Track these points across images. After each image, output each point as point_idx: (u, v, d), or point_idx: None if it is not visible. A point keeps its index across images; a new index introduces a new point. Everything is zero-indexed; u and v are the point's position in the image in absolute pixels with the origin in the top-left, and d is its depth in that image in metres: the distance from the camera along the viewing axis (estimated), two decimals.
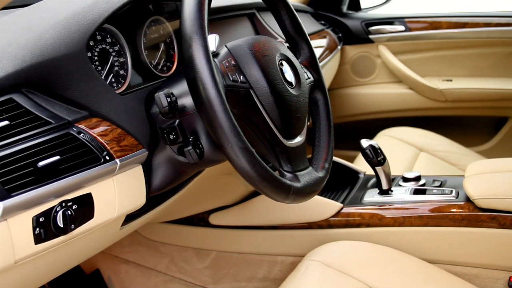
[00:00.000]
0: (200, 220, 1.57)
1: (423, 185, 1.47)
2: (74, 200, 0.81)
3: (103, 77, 0.97)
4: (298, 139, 1.01)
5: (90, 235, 0.89)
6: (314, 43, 2.10)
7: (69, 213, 0.79)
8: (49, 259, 0.86)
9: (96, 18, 0.93)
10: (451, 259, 1.31)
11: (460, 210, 1.30)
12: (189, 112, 0.92)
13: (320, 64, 2.02)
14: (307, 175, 0.98)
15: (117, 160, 0.86)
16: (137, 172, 0.94)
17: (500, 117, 2.44)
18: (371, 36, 2.52)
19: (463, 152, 2.05)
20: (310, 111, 1.13)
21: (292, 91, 0.99)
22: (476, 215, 1.28)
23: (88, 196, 0.83)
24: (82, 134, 0.83)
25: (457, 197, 1.35)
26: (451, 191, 1.38)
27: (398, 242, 1.34)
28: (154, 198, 1.03)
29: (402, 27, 2.48)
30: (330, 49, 2.24)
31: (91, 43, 0.96)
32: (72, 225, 0.80)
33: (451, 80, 2.44)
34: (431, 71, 2.49)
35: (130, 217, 1.02)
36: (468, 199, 1.32)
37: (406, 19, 2.47)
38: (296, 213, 1.44)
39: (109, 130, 0.88)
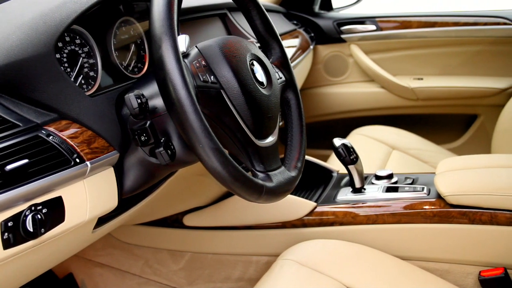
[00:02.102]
0: (174, 221, 1.56)
1: (395, 182, 1.49)
2: (43, 204, 0.79)
3: (72, 79, 0.96)
4: (270, 139, 1.01)
5: (61, 239, 0.88)
6: (286, 43, 2.11)
7: (39, 217, 0.78)
8: (19, 264, 0.85)
9: (64, 19, 0.91)
10: (424, 255, 1.33)
11: (432, 207, 1.32)
12: (160, 113, 0.91)
13: (293, 64, 2.03)
14: (280, 175, 0.99)
15: (88, 163, 0.85)
16: (109, 175, 0.93)
17: (470, 115, 2.48)
18: (343, 36, 2.54)
19: (435, 149, 2.08)
20: (282, 111, 1.13)
21: (264, 91, 0.99)
22: (447, 211, 1.30)
23: (58, 200, 0.82)
24: (51, 137, 0.82)
25: (428, 194, 1.37)
26: (423, 188, 1.40)
27: (371, 240, 1.36)
28: (126, 200, 1.02)
29: (373, 27, 2.50)
30: (302, 48, 2.24)
31: (60, 44, 0.95)
32: (42, 229, 0.79)
33: (422, 79, 2.47)
34: (403, 70, 2.52)
35: (102, 220, 1.01)
36: (439, 196, 1.34)
37: (377, 19, 2.50)
38: (270, 212, 1.45)
39: (79, 132, 0.87)
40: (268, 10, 1.17)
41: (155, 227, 1.59)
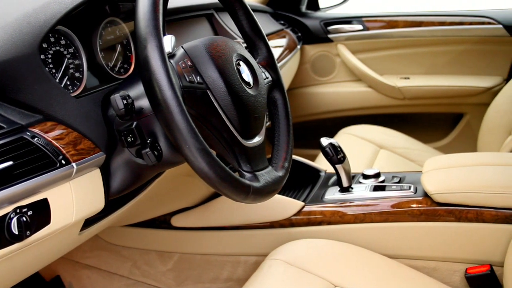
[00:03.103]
0: (162, 222, 1.56)
1: (383, 181, 1.49)
2: (29, 206, 0.79)
3: (57, 80, 0.95)
4: (257, 139, 1.01)
5: (48, 241, 0.87)
6: (273, 43, 2.11)
7: (24, 219, 0.77)
8: (5, 267, 0.84)
9: (48, 19, 0.91)
10: (411, 253, 1.34)
11: (419, 205, 1.33)
12: (146, 114, 0.91)
13: (280, 64, 2.04)
14: (267, 175, 0.99)
15: (74, 164, 0.85)
16: (95, 176, 0.92)
17: (456, 114, 2.50)
18: (330, 36, 2.55)
19: (421, 148, 2.10)
20: (269, 111, 1.13)
21: (250, 91, 0.99)
22: (433, 209, 1.31)
23: (44, 202, 0.81)
24: (36, 139, 0.82)
25: (415, 193, 1.38)
26: (410, 187, 1.40)
27: (359, 239, 1.36)
28: (113, 201, 1.01)
29: (360, 26, 2.51)
30: (289, 48, 2.25)
31: (44, 45, 0.94)
32: (28, 232, 0.78)
33: (408, 78, 2.49)
34: (389, 69, 2.53)
35: (89, 222, 1.00)
36: (426, 194, 1.35)
37: (363, 18, 2.51)
38: (258, 212, 1.45)
39: (65, 133, 0.87)
40: (255, 10, 1.17)
41: (143, 228, 1.58)
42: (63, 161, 0.83)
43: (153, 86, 0.82)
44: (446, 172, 1.38)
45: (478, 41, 2.35)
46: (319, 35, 2.57)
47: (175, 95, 0.81)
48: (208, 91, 0.93)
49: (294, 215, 1.43)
